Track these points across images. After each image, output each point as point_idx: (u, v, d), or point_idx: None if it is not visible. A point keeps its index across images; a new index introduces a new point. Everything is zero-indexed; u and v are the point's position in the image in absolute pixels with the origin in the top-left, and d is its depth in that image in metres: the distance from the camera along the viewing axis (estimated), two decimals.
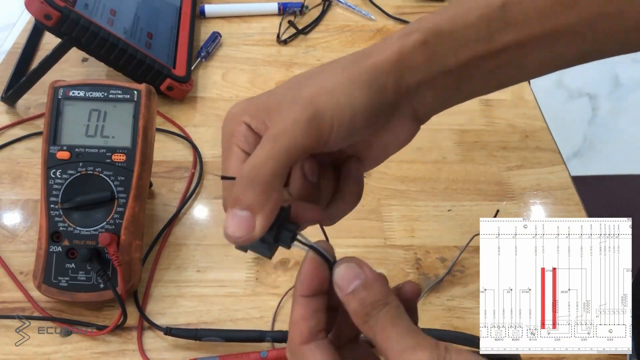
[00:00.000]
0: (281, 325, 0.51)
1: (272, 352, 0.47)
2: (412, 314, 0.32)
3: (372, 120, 0.32)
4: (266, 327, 0.51)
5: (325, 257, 0.31)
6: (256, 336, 0.49)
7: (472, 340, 0.48)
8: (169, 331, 0.49)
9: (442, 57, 0.32)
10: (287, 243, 0.31)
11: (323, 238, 0.33)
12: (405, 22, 0.85)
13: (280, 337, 0.48)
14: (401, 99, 0.33)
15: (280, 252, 0.56)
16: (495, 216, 0.58)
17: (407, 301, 0.32)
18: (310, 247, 0.31)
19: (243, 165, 0.30)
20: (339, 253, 0.59)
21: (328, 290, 0.31)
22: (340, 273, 0.30)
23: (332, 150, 0.33)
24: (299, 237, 0.31)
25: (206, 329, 0.49)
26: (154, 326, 0.50)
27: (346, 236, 0.57)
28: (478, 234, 0.55)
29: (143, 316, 0.51)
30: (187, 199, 0.61)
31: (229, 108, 0.34)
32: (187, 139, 0.67)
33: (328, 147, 0.32)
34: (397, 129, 0.34)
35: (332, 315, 0.32)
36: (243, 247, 0.32)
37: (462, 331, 0.49)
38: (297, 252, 0.56)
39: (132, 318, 0.51)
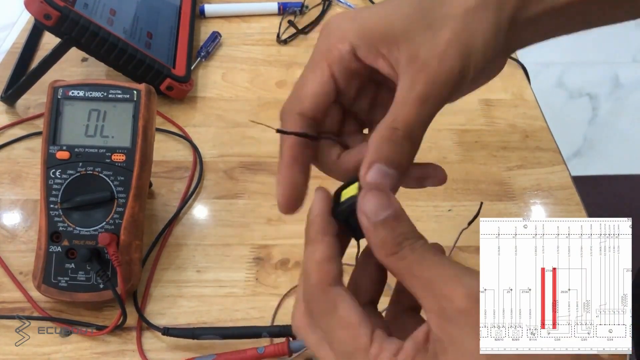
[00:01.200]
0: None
1: (269, 348, 0.48)
2: None
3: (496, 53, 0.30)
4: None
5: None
6: (253, 332, 0.49)
7: None
8: (167, 331, 0.49)
9: None
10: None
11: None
12: None
13: (277, 331, 0.49)
14: (512, 33, 0.30)
15: (281, 253, 0.56)
16: (479, 211, 0.56)
17: None
18: None
19: (319, 87, 0.29)
20: None
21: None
22: (369, 200, 0.27)
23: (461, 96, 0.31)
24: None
25: (203, 327, 0.49)
26: (151, 327, 0.50)
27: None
28: (466, 228, 0.55)
29: (141, 317, 0.51)
30: (187, 199, 0.60)
31: (331, 19, 0.30)
32: (186, 138, 0.67)
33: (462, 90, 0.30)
34: (496, 65, 0.32)
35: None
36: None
37: None
38: (297, 252, 0.56)
39: (132, 318, 0.51)
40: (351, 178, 0.29)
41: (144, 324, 0.51)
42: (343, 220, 0.29)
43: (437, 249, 0.27)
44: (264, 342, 0.49)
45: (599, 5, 0.31)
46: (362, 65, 0.30)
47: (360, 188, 0.28)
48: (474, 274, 0.26)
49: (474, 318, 0.25)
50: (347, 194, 0.29)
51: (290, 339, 0.48)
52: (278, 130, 0.28)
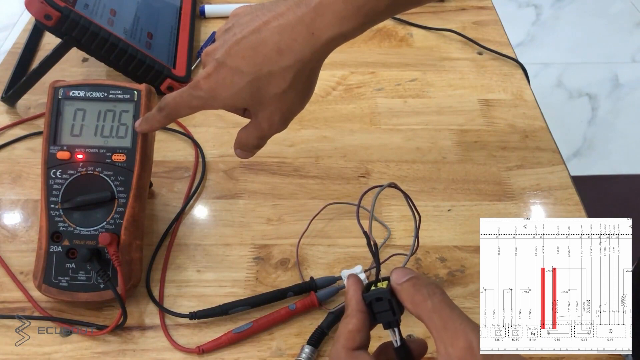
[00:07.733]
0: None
1: (299, 303, 0.51)
2: None
3: None
4: None
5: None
6: (279, 294, 0.51)
7: None
8: (194, 315, 0.50)
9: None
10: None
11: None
12: (404, 22, 0.85)
13: (301, 289, 0.52)
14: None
15: (281, 253, 0.56)
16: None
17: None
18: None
19: None
20: (340, 253, 0.59)
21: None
22: (396, 272, 0.36)
23: None
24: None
25: (231, 301, 0.51)
26: (175, 315, 0.50)
27: (346, 236, 0.57)
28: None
29: (162, 308, 0.51)
30: (191, 197, 0.61)
31: None
32: (189, 136, 0.67)
33: None
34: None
35: None
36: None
37: None
38: (299, 251, 0.56)
39: (132, 318, 0.51)
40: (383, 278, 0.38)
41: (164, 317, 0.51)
42: (368, 304, 0.37)
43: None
44: (291, 301, 0.52)
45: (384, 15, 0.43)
46: None
47: (389, 284, 0.37)
48: (476, 329, 0.33)
49: None
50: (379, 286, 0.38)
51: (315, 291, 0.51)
52: None
